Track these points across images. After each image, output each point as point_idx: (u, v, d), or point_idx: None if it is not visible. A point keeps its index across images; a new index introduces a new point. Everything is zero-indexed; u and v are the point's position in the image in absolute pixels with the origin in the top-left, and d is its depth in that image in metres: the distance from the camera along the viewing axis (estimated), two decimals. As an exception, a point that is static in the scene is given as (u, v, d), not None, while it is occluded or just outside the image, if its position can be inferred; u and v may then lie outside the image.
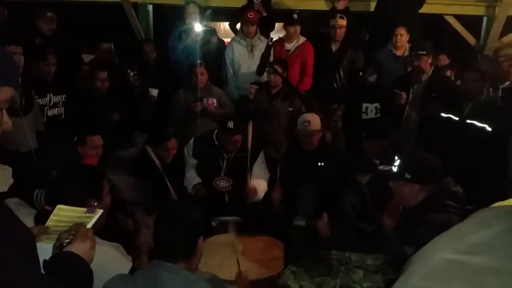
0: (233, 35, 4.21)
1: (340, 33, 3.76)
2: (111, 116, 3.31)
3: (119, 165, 2.97)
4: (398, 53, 3.89)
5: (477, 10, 4.87)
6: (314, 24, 4.48)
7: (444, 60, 4.20)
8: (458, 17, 4.88)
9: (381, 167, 1.96)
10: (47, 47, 3.29)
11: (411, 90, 3.29)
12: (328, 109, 3.86)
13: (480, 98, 2.79)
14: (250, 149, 2.88)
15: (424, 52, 3.21)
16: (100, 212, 1.14)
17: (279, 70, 3.45)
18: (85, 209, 1.16)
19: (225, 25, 5.30)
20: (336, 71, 3.81)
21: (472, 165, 2.52)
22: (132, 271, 1.38)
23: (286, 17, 3.90)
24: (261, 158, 2.96)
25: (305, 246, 1.96)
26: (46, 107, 3.18)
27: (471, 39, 4.95)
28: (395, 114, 3.28)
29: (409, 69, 3.55)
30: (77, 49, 4.13)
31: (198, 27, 3.83)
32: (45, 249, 1.00)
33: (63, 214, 1.13)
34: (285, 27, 3.88)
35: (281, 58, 3.75)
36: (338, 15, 3.78)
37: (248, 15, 3.74)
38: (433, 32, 4.53)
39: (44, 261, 0.96)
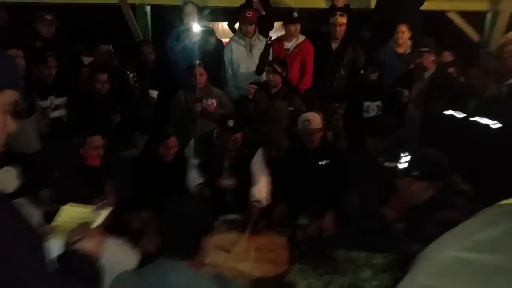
0: (231, 35, 4.20)
1: (340, 31, 3.74)
2: (112, 118, 3.32)
3: (122, 166, 2.98)
4: (400, 50, 3.86)
5: (480, 5, 4.83)
6: (313, 22, 4.46)
7: (448, 57, 4.16)
8: (460, 13, 4.84)
9: (387, 164, 1.94)
10: (47, 50, 3.31)
11: (413, 87, 3.26)
12: (328, 108, 3.83)
13: (484, 95, 2.77)
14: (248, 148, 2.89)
15: (426, 49, 3.18)
16: (108, 210, 1.16)
17: (279, 69, 3.43)
18: (93, 208, 1.18)
19: (223, 25, 5.29)
20: (336, 70, 3.79)
21: (477, 163, 2.49)
22: (139, 267, 1.38)
23: (286, 15, 3.88)
24: (259, 155, 2.95)
25: (310, 245, 1.95)
26: (48, 109, 3.20)
27: (474, 35, 4.91)
28: (398, 112, 3.26)
29: (411, 66, 3.53)
30: (76, 51, 4.13)
31: (196, 28, 3.82)
32: (53, 248, 1.01)
33: (71, 213, 1.15)
34: (285, 25, 3.87)
35: (281, 57, 3.73)
36: (338, 12, 3.76)
37: (247, 14, 3.73)
38: (436, 28, 4.51)
39: (54, 259, 0.97)
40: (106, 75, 3.38)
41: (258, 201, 2.71)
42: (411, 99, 3.26)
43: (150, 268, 1.29)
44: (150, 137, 3.05)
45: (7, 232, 0.81)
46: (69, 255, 1.00)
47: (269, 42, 3.79)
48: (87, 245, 1.01)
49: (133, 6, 4.62)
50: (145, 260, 1.51)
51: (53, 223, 1.11)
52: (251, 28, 3.77)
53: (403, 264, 1.18)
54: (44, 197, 1.59)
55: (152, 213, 2.50)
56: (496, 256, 0.55)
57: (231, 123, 2.75)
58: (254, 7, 3.88)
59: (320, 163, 2.83)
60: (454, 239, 0.61)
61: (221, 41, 4.14)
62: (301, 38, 3.83)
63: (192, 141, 3.00)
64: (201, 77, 3.42)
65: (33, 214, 1.44)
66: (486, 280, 0.55)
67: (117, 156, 3.05)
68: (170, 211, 1.40)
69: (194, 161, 2.96)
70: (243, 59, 3.80)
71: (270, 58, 3.73)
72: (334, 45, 3.81)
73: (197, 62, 3.47)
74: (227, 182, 2.87)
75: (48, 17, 3.61)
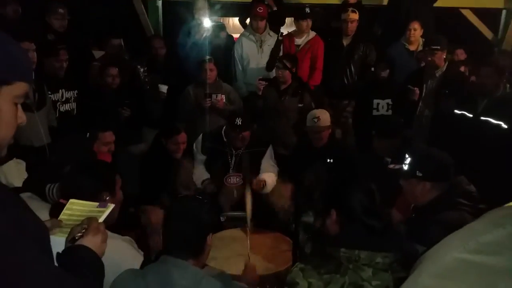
0: (242, 30, 4.19)
1: (352, 27, 3.71)
2: (121, 112, 3.34)
3: (129, 161, 3.00)
4: (412, 48, 3.82)
5: (496, 2, 4.73)
6: (325, 18, 4.43)
7: (461, 55, 4.09)
8: (474, 10, 4.75)
9: (391, 166, 1.93)
10: (59, 43, 3.33)
11: (424, 85, 3.23)
12: (338, 105, 3.81)
13: (496, 94, 2.72)
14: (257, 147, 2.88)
15: (438, 47, 3.14)
16: (112, 206, 1.17)
17: (288, 65, 3.41)
18: (97, 204, 1.19)
19: (234, 21, 5.28)
20: (347, 67, 3.76)
21: (486, 163, 2.46)
22: (144, 265, 1.39)
23: (298, 11, 3.86)
24: (269, 152, 2.95)
25: (313, 243, 1.94)
26: (59, 103, 3.23)
27: (488, 33, 4.82)
28: (408, 110, 3.23)
29: (423, 64, 3.48)
30: (88, 45, 4.17)
31: (207, 23, 3.82)
32: (58, 242, 1.02)
33: (76, 208, 1.16)
34: (296, 21, 3.84)
35: (291, 53, 3.71)
36: (350, 8, 3.73)
37: (258, 9, 3.72)
38: (449, 26, 4.43)
39: (57, 254, 0.98)
40: (117, 69, 3.39)
41: (263, 181, 2.71)
42: (422, 97, 3.22)
43: (153, 266, 1.28)
44: (159, 132, 3.05)
45: (12, 225, 0.81)
46: (73, 249, 1.00)
47: (280, 37, 3.77)
48: (91, 240, 1.01)
49: (145, 1, 4.64)
50: (149, 258, 1.51)
51: (60, 217, 1.12)
52: (262, 23, 3.75)
53: (405, 264, 1.17)
54: (51, 191, 1.61)
55: (159, 209, 2.51)
56: (501, 258, 0.55)
57: (239, 121, 2.75)
58: (265, 3, 3.86)
59: (327, 161, 2.82)
60: (459, 240, 0.60)
61: (232, 37, 4.14)
62: (312, 34, 3.81)
63: (200, 137, 3.01)
64: (211, 72, 3.43)
65: (39, 207, 1.46)
66: (490, 282, 0.54)
67: (124, 150, 3.06)
68: (175, 209, 1.39)
69: (201, 157, 2.97)
70: (253, 54, 3.80)
71: (281, 54, 3.71)
72: (345, 42, 3.78)
73: (208, 57, 3.48)
74: (235, 179, 2.88)
75: (61, 10, 3.64)
